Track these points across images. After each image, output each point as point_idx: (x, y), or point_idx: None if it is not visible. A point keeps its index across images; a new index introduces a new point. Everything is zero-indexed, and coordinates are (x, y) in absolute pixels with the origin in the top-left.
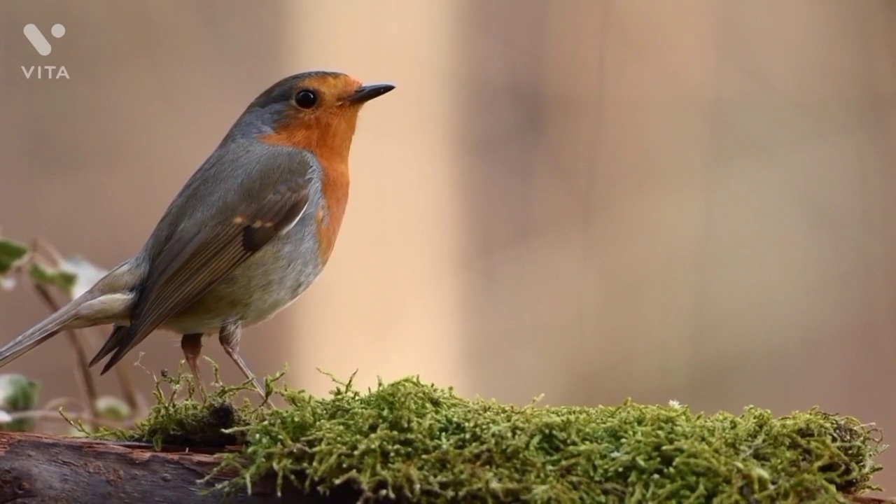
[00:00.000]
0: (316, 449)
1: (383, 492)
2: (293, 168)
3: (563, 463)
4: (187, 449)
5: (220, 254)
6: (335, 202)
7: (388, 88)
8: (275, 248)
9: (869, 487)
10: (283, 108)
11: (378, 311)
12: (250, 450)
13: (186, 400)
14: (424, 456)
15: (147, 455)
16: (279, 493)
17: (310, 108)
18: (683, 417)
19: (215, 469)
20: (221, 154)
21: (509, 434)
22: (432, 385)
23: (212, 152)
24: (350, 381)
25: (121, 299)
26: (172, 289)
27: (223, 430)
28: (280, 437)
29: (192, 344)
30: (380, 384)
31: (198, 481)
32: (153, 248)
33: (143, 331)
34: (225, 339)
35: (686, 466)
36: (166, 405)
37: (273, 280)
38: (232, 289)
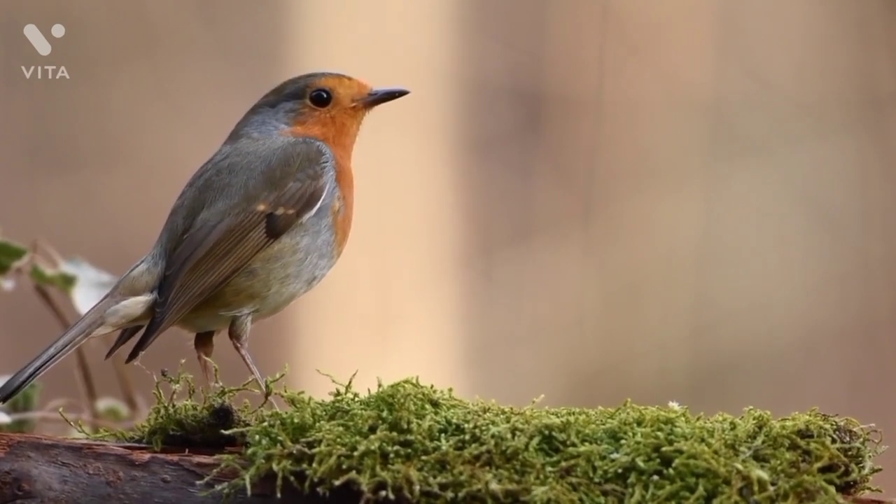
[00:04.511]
0: (315, 450)
1: (383, 493)
2: (311, 156)
3: (563, 464)
4: (187, 450)
5: (243, 241)
6: (348, 191)
7: (401, 93)
8: (293, 241)
9: (868, 489)
10: (297, 106)
11: (378, 311)
12: (250, 451)
13: (186, 400)
14: (424, 457)
15: (147, 456)
16: (279, 495)
17: (324, 108)
18: (683, 419)
19: (215, 470)
20: (233, 147)
21: (509, 435)
22: (432, 386)
23: (220, 147)
24: (350, 383)
25: (143, 301)
26: (197, 276)
27: (223, 431)
28: (280, 438)
29: (203, 343)
30: (379, 385)
31: (197, 482)
32: (168, 242)
33: (169, 319)
34: (235, 333)
35: (685, 468)
36: (166, 405)
37: (291, 273)
38: (251, 282)
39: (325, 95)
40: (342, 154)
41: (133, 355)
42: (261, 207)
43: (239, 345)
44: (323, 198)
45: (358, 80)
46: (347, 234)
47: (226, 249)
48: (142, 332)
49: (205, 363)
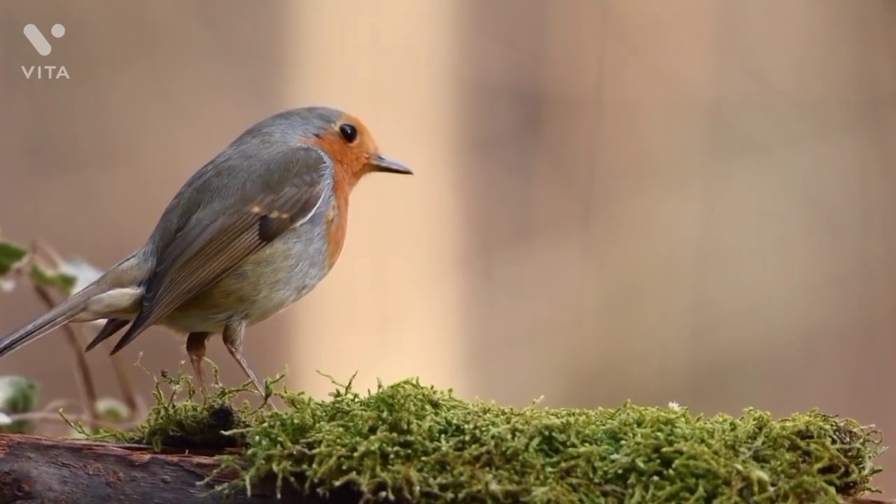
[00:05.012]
0: (315, 451)
1: (383, 493)
2: (310, 163)
3: (563, 465)
4: (187, 451)
5: (235, 241)
6: (343, 202)
7: (406, 172)
8: (286, 247)
9: (868, 489)
10: (326, 125)
11: (378, 311)
12: (250, 452)
13: (186, 401)
14: (424, 458)
15: (147, 457)
16: (279, 495)
17: (346, 142)
18: (683, 419)
19: (215, 471)
20: (237, 149)
21: (509, 436)
22: (432, 387)
23: (224, 149)
24: (350, 383)
25: (129, 294)
26: (187, 273)
27: (223, 431)
28: (280, 438)
29: (195, 345)
30: (379, 386)
31: (197, 483)
32: (161, 240)
33: (156, 313)
34: (228, 338)
35: (685, 468)
36: (166, 406)
37: (281, 279)
38: (241, 284)
39: (350, 132)
40: (343, 177)
41: (118, 348)
42: (255, 209)
43: (234, 349)
44: (318, 205)
45: (376, 142)
46: (340, 247)
47: (217, 248)
48: (128, 326)
49: (199, 366)
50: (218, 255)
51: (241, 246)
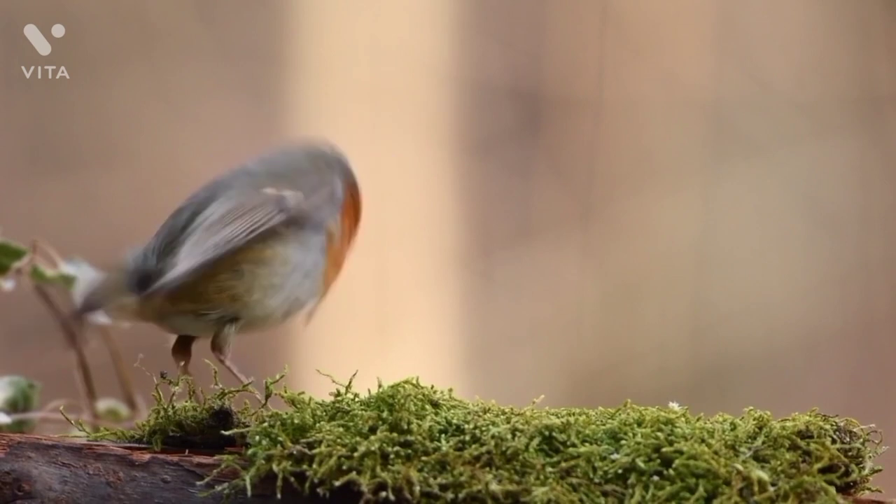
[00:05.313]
0: (316, 451)
1: (383, 493)
2: (330, 162)
3: (563, 465)
4: (187, 450)
5: (254, 211)
6: (347, 231)
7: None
8: (285, 251)
9: (868, 489)
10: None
11: (378, 312)
12: (250, 451)
13: (186, 402)
14: (424, 458)
15: (147, 457)
16: (279, 495)
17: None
18: (683, 419)
19: (215, 471)
20: (258, 157)
21: (509, 436)
22: (432, 387)
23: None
24: (350, 383)
25: (130, 283)
26: (210, 233)
27: (223, 431)
28: (280, 438)
29: (182, 351)
30: (379, 386)
31: (197, 483)
32: (168, 235)
33: (182, 274)
34: (217, 345)
35: (686, 468)
36: (165, 406)
37: (276, 284)
38: (235, 283)
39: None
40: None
41: (152, 293)
42: (271, 191)
43: (222, 357)
44: (333, 197)
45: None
46: (338, 270)
47: (238, 215)
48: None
49: (185, 371)
50: (240, 220)
51: (259, 214)
